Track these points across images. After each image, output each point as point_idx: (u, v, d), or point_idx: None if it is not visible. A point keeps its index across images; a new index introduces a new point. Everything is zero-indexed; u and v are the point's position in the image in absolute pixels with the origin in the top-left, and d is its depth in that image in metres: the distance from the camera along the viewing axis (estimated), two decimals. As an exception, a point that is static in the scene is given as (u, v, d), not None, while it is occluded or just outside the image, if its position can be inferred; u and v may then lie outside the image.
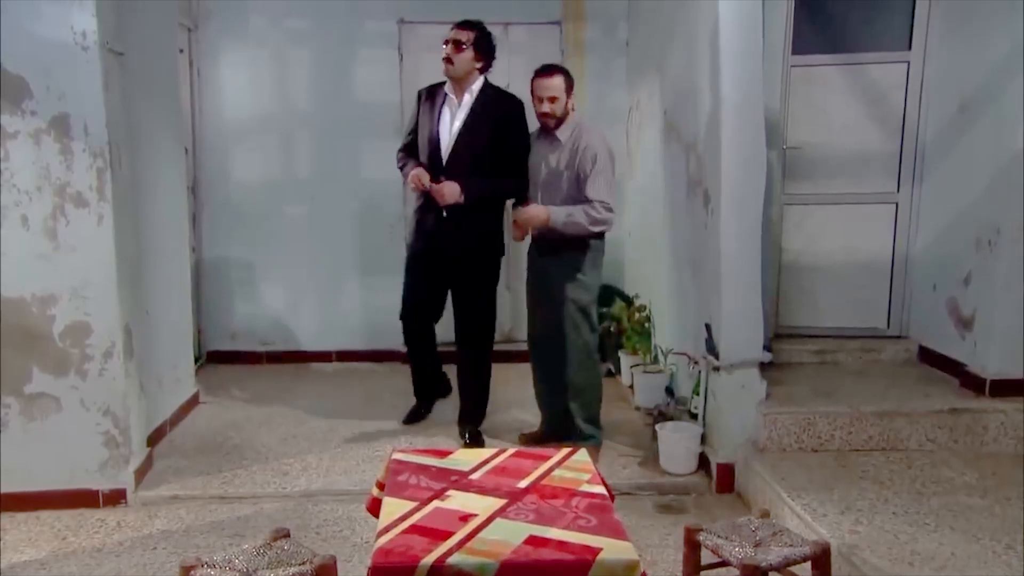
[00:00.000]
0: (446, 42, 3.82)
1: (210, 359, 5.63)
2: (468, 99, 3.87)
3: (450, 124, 3.87)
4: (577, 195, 3.74)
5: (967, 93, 3.83)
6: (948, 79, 4.00)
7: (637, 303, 5.08)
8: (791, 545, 2.30)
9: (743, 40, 3.52)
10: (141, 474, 3.68)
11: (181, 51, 5.06)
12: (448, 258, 3.94)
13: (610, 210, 3.71)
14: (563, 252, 3.79)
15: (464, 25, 3.85)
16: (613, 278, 5.58)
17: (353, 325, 5.71)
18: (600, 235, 3.82)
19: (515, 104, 3.89)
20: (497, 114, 3.85)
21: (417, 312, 4.14)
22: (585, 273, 3.80)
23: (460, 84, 3.86)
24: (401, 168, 4.07)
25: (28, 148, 3.33)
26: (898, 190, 4.24)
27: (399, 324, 6.02)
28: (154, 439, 4.02)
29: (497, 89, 3.97)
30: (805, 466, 3.40)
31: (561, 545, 1.95)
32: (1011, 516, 2.92)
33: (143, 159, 3.96)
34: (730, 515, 3.24)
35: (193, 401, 4.73)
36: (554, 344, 3.87)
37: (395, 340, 5.64)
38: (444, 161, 3.85)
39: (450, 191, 3.76)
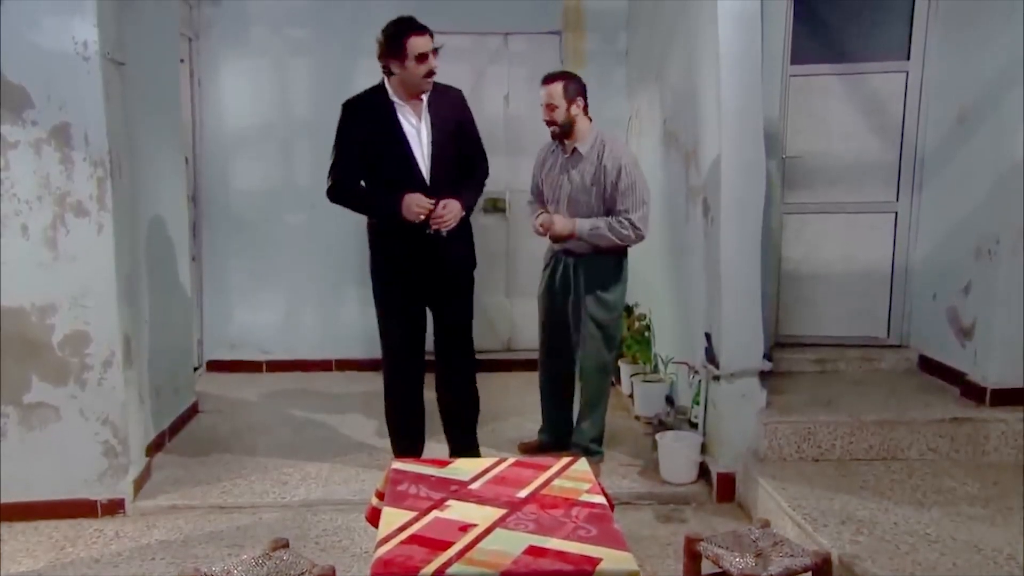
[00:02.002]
0: (435, 52, 3.39)
1: (210, 368, 5.62)
2: (424, 105, 3.47)
3: (418, 136, 3.47)
4: (604, 210, 3.70)
5: (966, 102, 3.84)
6: (947, 88, 4.00)
7: (637, 312, 5.07)
8: (792, 555, 2.29)
9: (742, 49, 3.53)
10: (140, 484, 3.67)
11: (182, 61, 5.07)
12: (439, 280, 3.61)
13: (637, 227, 3.64)
14: (589, 268, 3.76)
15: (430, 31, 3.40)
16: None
17: (353, 334, 5.69)
18: (624, 251, 3.80)
19: (460, 94, 3.63)
20: (453, 112, 3.55)
21: (415, 350, 3.67)
22: (609, 291, 3.78)
23: (416, 91, 3.45)
24: (358, 203, 3.59)
25: (29, 157, 3.33)
26: (897, 199, 4.25)
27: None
28: (153, 449, 4.01)
29: (438, 84, 3.54)
30: (806, 475, 3.39)
31: (561, 555, 1.94)
32: (1013, 526, 2.91)
33: (143, 168, 3.96)
34: (731, 525, 3.22)
35: (192, 410, 4.72)
36: (570, 359, 3.86)
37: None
38: (428, 179, 3.46)
39: (457, 211, 3.44)
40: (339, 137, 3.55)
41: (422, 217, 3.38)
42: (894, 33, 4.14)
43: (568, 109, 3.67)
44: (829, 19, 4.20)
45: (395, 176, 3.46)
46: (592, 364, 3.82)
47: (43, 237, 3.38)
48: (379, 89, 3.49)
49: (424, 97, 3.47)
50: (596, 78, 5.61)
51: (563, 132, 3.73)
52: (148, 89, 4.06)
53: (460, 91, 3.65)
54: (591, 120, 3.78)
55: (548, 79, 3.74)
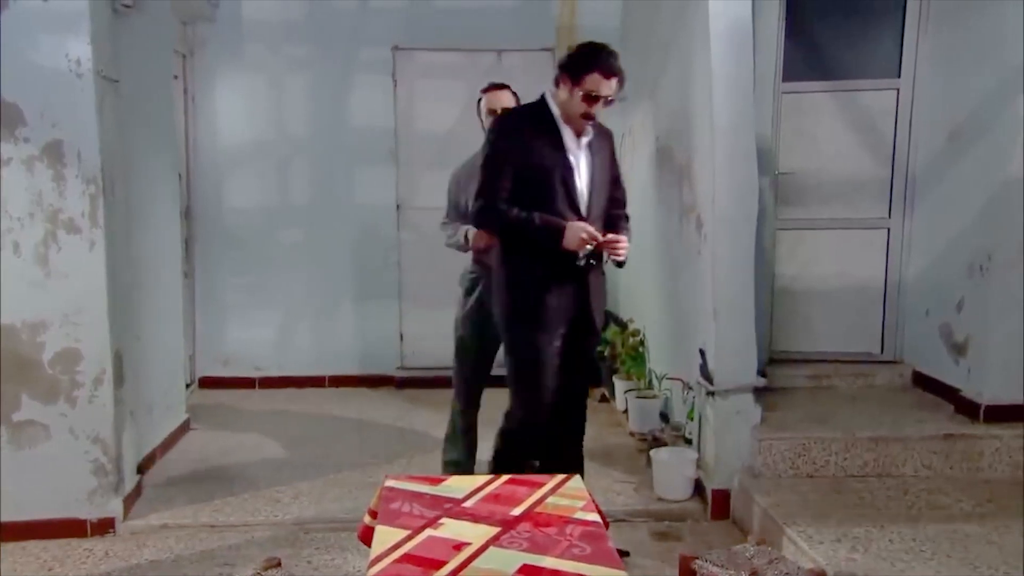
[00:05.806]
0: (608, 101, 3.02)
1: (202, 384, 5.60)
2: (589, 134, 3.08)
3: (578, 166, 3.06)
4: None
5: (958, 120, 3.87)
6: (938, 106, 4.03)
7: (631, 328, 5.07)
8: (787, 573, 2.28)
9: (734, 67, 3.55)
10: (130, 502, 3.63)
11: (176, 77, 5.08)
12: (589, 318, 3.23)
13: None
14: None
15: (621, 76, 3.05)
16: (607, 303, 5.58)
17: (347, 350, 5.69)
18: None
19: (611, 135, 3.29)
20: (606, 149, 3.21)
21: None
22: None
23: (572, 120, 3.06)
24: (513, 226, 3.01)
25: (21, 174, 3.32)
26: (890, 216, 4.27)
27: (392, 349, 5.91)
28: (144, 467, 3.98)
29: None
30: (800, 492, 3.38)
31: (555, 574, 1.92)
32: (1009, 543, 2.90)
33: (137, 185, 3.96)
34: (726, 542, 3.21)
35: (184, 428, 4.69)
36: None
37: (388, 365, 5.65)
38: (585, 214, 3.05)
39: (626, 246, 3.11)
40: (498, 152, 3.05)
41: (588, 247, 2.99)
42: (885, 51, 4.17)
43: None
44: (820, 37, 4.23)
45: (553, 204, 3.02)
46: None
47: (35, 254, 3.36)
48: (543, 106, 3.08)
49: (591, 126, 3.08)
50: (589, 95, 5.66)
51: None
52: (142, 106, 4.06)
53: (611, 132, 3.29)
54: None
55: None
